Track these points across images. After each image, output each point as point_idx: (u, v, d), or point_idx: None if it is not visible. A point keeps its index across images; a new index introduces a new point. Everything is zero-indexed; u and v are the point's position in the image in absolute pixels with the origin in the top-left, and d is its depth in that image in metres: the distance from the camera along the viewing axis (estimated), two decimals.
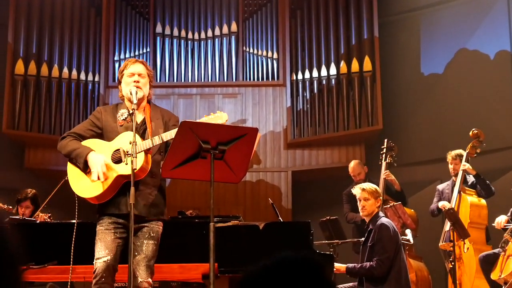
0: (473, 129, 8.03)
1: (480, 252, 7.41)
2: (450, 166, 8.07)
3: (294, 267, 1.53)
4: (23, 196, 7.46)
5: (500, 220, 7.32)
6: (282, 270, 1.52)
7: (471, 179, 8.01)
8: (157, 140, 4.55)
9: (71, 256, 4.95)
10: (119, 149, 4.63)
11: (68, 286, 5.22)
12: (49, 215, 7.32)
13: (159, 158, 4.74)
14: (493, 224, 7.37)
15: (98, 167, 4.54)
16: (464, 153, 7.96)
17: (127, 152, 4.50)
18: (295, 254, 1.58)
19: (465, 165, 7.84)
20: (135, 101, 4.61)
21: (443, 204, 7.76)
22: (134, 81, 4.75)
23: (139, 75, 4.79)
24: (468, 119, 9.37)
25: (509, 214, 7.43)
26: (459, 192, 7.77)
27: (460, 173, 7.85)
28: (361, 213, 6.30)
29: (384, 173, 8.34)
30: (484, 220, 7.70)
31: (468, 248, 7.49)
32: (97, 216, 4.72)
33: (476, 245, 7.54)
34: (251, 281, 1.53)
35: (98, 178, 4.53)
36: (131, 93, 4.67)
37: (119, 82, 4.90)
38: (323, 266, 1.58)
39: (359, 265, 6.04)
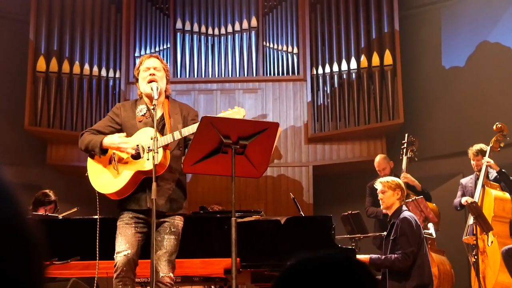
0: (497, 123, 7.98)
1: (504, 246, 7.36)
2: (473, 162, 8.01)
3: (345, 270, 1.40)
4: (48, 200, 7.24)
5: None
6: (329, 271, 1.38)
7: (493, 173, 7.95)
8: (177, 135, 4.55)
9: (97, 252, 4.97)
10: (138, 145, 4.65)
11: (95, 282, 5.22)
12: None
13: (178, 153, 4.75)
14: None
15: (122, 144, 4.64)
16: (486, 148, 7.91)
17: (149, 147, 4.52)
18: (339, 253, 1.45)
19: (489, 161, 7.78)
20: (156, 97, 4.62)
21: (466, 199, 7.71)
22: (150, 74, 4.77)
23: (154, 68, 4.81)
24: (490, 112, 9.30)
25: None
26: (482, 186, 7.72)
27: (484, 167, 7.79)
28: (381, 207, 6.33)
29: (402, 176, 8.27)
30: (508, 213, 7.64)
31: (492, 242, 7.44)
32: (118, 211, 4.74)
33: (501, 239, 7.49)
34: (289, 279, 1.40)
35: (135, 151, 4.63)
36: (151, 89, 4.68)
37: (136, 80, 4.93)
38: (373, 274, 1.45)
39: (384, 256, 6.01)
